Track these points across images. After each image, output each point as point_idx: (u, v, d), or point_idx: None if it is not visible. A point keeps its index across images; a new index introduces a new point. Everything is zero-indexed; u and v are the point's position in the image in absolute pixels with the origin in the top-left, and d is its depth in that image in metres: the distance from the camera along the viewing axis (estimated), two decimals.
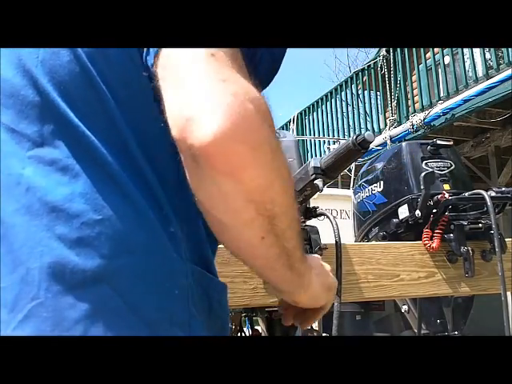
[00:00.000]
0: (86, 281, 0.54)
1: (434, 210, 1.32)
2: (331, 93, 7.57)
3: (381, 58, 6.56)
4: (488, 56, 5.22)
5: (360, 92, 7.31)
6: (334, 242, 1.11)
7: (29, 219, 0.55)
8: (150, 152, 0.60)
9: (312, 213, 1.13)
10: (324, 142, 7.32)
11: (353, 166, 4.84)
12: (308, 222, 1.13)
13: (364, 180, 1.57)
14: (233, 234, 0.60)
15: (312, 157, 7.17)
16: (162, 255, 0.59)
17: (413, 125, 5.59)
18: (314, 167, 0.92)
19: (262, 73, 0.64)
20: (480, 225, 1.31)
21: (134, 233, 0.57)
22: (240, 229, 0.58)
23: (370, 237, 1.53)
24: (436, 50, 5.79)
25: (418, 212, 1.32)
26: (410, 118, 5.82)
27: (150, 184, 0.60)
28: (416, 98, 6.22)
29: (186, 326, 0.58)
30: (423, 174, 1.33)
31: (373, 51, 9.45)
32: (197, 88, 0.53)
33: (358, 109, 7.35)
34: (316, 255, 0.84)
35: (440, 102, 5.53)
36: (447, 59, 5.61)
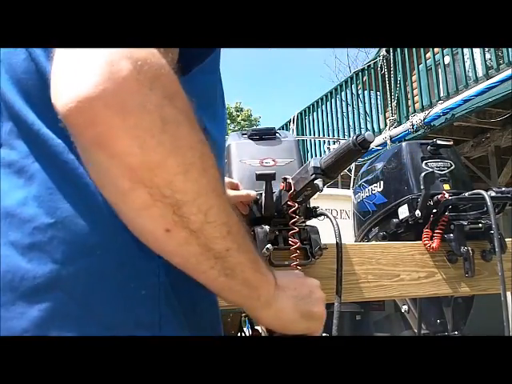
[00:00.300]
0: (37, 288, 0.52)
1: (434, 210, 1.32)
2: (331, 93, 7.57)
3: (381, 57, 6.56)
4: (488, 56, 5.21)
5: (360, 92, 7.31)
6: (335, 243, 1.11)
7: None
8: None
9: (312, 213, 1.13)
10: (324, 141, 7.32)
11: (353, 166, 4.84)
12: (308, 222, 1.13)
13: (364, 180, 1.57)
14: (130, 222, 0.53)
15: (312, 157, 7.17)
16: (124, 255, 0.55)
17: (413, 125, 5.59)
18: (314, 167, 0.92)
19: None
20: (480, 225, 1.31)
21: (90, 234, 0.54)
22: (135, 216, 0.51)
23: (370, 237, 1.53)
24: (436, 50, 5.79)
25: (417, 212, 1.32)
26: (410, 117, 5.82)
27: None
28: (416, 98, 6.22)
29: (156, 328, 0.55)
30: (423, 174, 1.33)
31: (373, 51, 9.46)
32: (74, 53, 0.48)
33: (358, 109, 7.35)
34: (313, 279, 0.74)
35: (440, 102, 5.53)
36: (447, 59, 5.61)
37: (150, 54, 0.48)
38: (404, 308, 1.60)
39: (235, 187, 1.12)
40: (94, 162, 0.50)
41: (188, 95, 0.53)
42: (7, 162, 0.57)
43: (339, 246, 1.10)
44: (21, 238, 0.53)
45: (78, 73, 0.46)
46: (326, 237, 1.13)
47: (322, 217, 1.15)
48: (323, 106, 7.69)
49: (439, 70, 5.79)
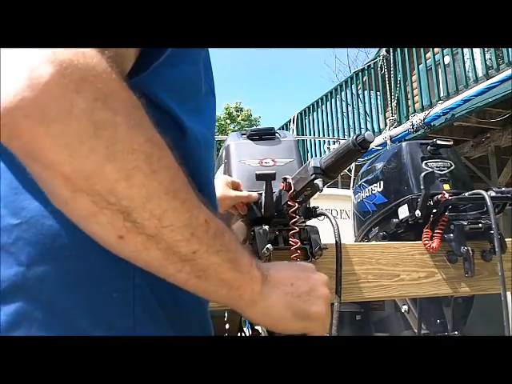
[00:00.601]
0: (2, 292, 0.50)
1: (434, 210, 1.32)
2: (331, 93, 7.58)
3: (381, 57, 6.56)
4: (488, 56, 5.22)
5: (360, 92, 7.31)
6: (334, 242, 1.11)
7: None
8: None
9: (312, 213, 1.13)
10: (324, 141, 7.33)
11: (353, 166, 4.84)
12: (308, 222, 1.13)
13: (364, 180, 1.57)
14: (83, 229, 0.50)
15: (312, 157, 7.18)
16: (95, 256, 0.53)
17: (413, 125, 5.59)
18: (314, 167, 0.92)
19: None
20: (480, 225, 1.31)
21: (58, 235, 0.52)
22: (84, 224, 0.49)
23: (370, 237, 1.53)
24: (436, 50, 5.80)
25: (418, 212, 1.33)
26: (410, 117, 5.82)
27: None
28: (416, 98, 6.22)
29: (131, 332, 0.53)
30: (423, 174, 1.33)
31: (373, 51, 9.47)
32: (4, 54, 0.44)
33: (358, 109, 7.35)
34: (321, 275, 0.69)
35: (440, 102, 5.53)
36: (447, 59, 5.62)
37: (78, 55, 0.45)
38: (404, 308, 1.60)
39: (236, 187, 1.11)
40: (31, 172, 0.47)
41: (153, 90, 0.51)
42: None
43: (338, 245, 1.10)
44: None
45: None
46: (326, 237, 1.14)
47: (322, 217, 1.15)
48: (323, 106, 7.69)
49: (439, 70, 5.79)
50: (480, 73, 5.22)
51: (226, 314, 1.60)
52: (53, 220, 0.53)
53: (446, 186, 1.37)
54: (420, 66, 6.06)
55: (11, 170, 0.54)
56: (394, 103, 6.35)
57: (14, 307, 0.50)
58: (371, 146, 0.90)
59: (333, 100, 7.53)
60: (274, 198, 1.03)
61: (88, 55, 0.45)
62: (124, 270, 0.54)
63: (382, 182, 1.48)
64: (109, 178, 0.46)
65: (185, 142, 0.61)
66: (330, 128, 7.51)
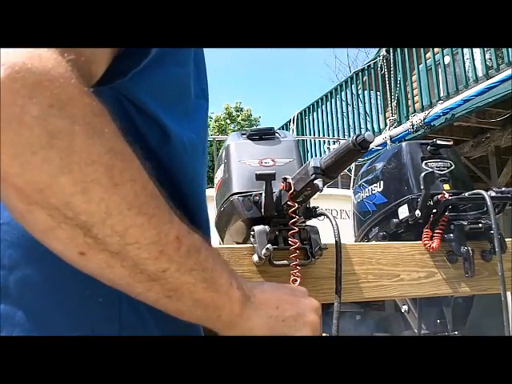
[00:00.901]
0: None
1: (434, 210, 1.32)
2: (331, 93, 7.58)
3: (381, 57, 6.56)
4: (488, 56, 5.22)
5: (360, 92, 7.31)
6: (334, 242, 1.11)
7: None
8: None
9: (312, 213, 1.13)
10: (324, 141, 7.33)
11: (353, 166, 4.84)
12: (308, 222, 1.13)
13: (364, 180, 1.57)
14: (45, 244, 0.46)
15: (312, 157, 7.18)
16: None
17: (413, 125, 5.59)
18: (314, 167, 0.92)
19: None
20: (480, 225, 1.31)
21: None
22: (42, 238, 0.45)
23: (370, 237, 1.53)
24: (436, 50, 5.80)
25: (418, 212, 1.32)
26: (410, 117, 5.82)
27: None
28: (416, 98, 6.22)
29: None
30: (423, 174, 1.33)
31: (373, 51, 9.47)
32: None
33: (358, 109, 7.35)
34: (312, 300, 0.66)
35: (440, 102, 5.53)
36: (447, 59, 5.62)
37: (33, 57, 0.41)
38: (404, 308, 1.60)
39: None
40: None
41: (136, 94, 0.49)
42: None
43: (338, 245, 1.10)
44: None
45: None
46: (326, 237, 1.13)
47: (322, 217, 1.15)
48: (323, 106, 7.69)
49: (439, 70, 5.79)
50: (480, 73, 5.22)
51: None
52: None
53: (446, 186, 1.37)
54: (420, 66, 6.06)
55: None
56: (394, 103, 6.35)
57: None
58: (371, 146, 0.90)
59: (333, 100, 7.53)
60: (274, 198, 1.03)
61: (44, 57, 0.41)
62: None
63: (382, 182, 1.48)
64: (64, 191, 0.42)
65: (169, 147, 0.59)
66: (330, 128, 7.51)
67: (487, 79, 4.97)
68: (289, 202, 0.99)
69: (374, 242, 1.49)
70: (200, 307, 0.54)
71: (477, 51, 5.24)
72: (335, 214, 3.95)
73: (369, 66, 6.98)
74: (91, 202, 0.43)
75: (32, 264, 0.50)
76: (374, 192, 1.51)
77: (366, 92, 7.18)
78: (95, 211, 0.44)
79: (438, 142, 1.43)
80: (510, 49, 4.77)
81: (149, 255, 0.47)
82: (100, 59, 0.49)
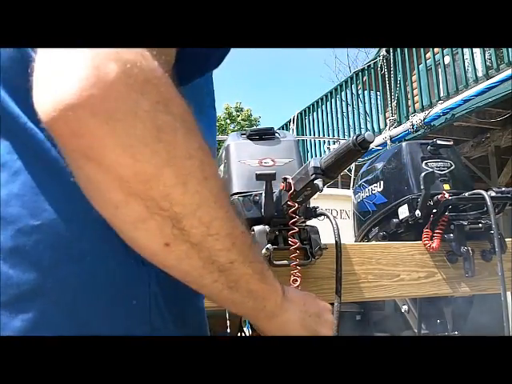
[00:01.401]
0: (21, 296, 0.48)
1: (434, 210, 1.32)
2: (331, 93, 7.58)
3: (381, 57, 6.56)
4: (488, 56, 5.22)
5: (360, 92, 7.31)
6: (334, 242, 1.11)
7: None
8: None
9: (312, 213, 1.13)
10: (324, 141, 7.32)
11: (353, 166, 4.84)
12: (308, 222, 1.13)
13: (364, 180, 1.57)
14: (126, 235, 0.48)
15: (312, 157, 7.18)
16: (115, 262, 0.52)
17: (413, 125, 5.59)
18: (314, 167, 0.92)
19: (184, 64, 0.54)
20: (480, 225, 1.31)
21: (79, 239, 0.51)
22: (129, 230, 0.47)
23: (370, 237, 1.53)
24: (436, 50, 5.80)
25: (418, 212, 1.33)
26: (410, 118, 5.82)
27: None
28: (416, 98, 6.22)
29: None
30: (423, 174, 1.33)
31: (373, 51, 9.47)
32: (60, 52, 0.43)
33: (358, 109, 7.35)
34: (325, 303, 0.70)
35: (440, 101, 5.53)
36: (447, 59, 5.62)
37: (141, 56, 0.44)
38: (404, 308, 1.60)
39: None
40: (82, 174, 0.46)
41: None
42: None
43: (338, 245, 1.10)
44: (3, 240, 0.49)
45: (60, 77, 0.42)
46: (326, 237, 1.13)
47: (322, 217, 1.15)
48: (323, 106, 7.69)
49: (439, 70, 5.79)
50: (480, 73, 5.22)
51: (227, 315, 1.60)
52: (74, 223, 0.51)
53: (446, 186, 1.37)
54: (420, 66, 6.06)
55: (31, 168, 0.51)
56: (394, 103, 6.35)
57: (33, 313, 0.49)
58: (371, 146, 0.90)
59: (333, 100, 7.52)
60: (274, 198, 1.03)
61: (149, 57, 0.44)
62: (141, 277, 0.53)
63: (382, 182, 1.48)
64: (166, 183, 0.44)
65: None
66: (330, 128, 7.51)
67: (487, 79, 4.97)
68: (289, 202, 0.99)
69: (373, 242, 1.49)
70: (252, 298, 0.57)
71: (477, 51, 5.24)
72: (335, 214, 3.94)
73: (369, 66, 6.97)
74: (187, 194, 0.46)
75: (70, 265, 0.50)
76: (373, 192, 1.51)
77: (366, 92, 7.18)
78: (189, 203, 0.46)
79: (438, 141, 1.43)
80: (510, 49, 4.77)
81: (223, 247, 0.50)
82: (171, 61, 0.51)
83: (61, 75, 0.41)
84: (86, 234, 0.52)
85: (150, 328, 0.53)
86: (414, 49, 6.04)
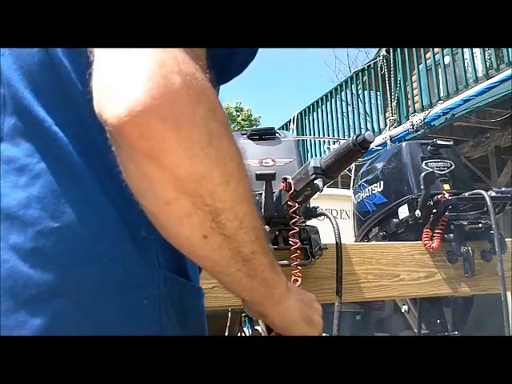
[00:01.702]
0: (40, 295, 0.50)
1: (434, 210, 1.32)
2: (331, 93, 7.57)
3: (381, 57, 6.56)
4: (488, 56, 5.22)
5: (360, 92, 7.31)
6: (335, 242, 1.11)
7: None
8: None
9: (312, 213, 1.13)
10: (324, 141, 7.32)
11: (353, 166, 4.84)
12: (308, 222, 1.13)
13: (364, 180, 1.57)
14: (168, 229, 0.53)
15: (312, 157, 7.18)
16: (129, 263, 0.54)
17: (413, 125, 5.59)
18: (314, 167, 0.92)
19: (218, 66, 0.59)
20: (480, 225, 1.31)
21: (96, 241, 0.53)
22: (175, 224, 0.51)
23: (370, 237, 1.53)
24: (436, 50, 5.79)
25: (418, 212, 1.33)
26: (410, 118, 5.82)
27: (120, 185, 0.52)
28: (416, 98, 6.22)
29: None
30: (423, 174, 1.33)
31: (373, 51, 9.47)
32: (122, 55, 0.47)
33: (358, 109, 7.35)
34: (310, 294, 0.77)
35: (440, 102, 5.53)
36: (447, 59, 5.61)
37: (196, 69, 0.49)
38: (404, 308, 1.60)
39: None
40: (139, 172, 0.49)
41: None
42: (6, 157, 0.54)
43: (339, 245, 1.10)
44: (23, 241, 0.51)
45: (130, 83, 0.46)
46: (326, 237, 1.14)
47: (322, 217, 1.15)
48: (323, 106, 7.69)
49: (439, 70, 5.79)
50: (480, 73, 5.22)
51: (229, 315, 1.61)
52: (92, 226, 0.53)
53: (446, 186, 1.37)
54: (420, 66, 6.05)
55: (52, 171, 0.54)
56: (394, 103, 6.35)
57: (52, 311, 0.50)
58: (371, 146, 0.90)
59: (333, 100, 7.52)
60: (274, 198, 1.03)
61: (201, 71, 0.50)
62: (152, 277, 0.56)
63: (382, 182, 1.48)
64: (214, 182, 0.50)
65: None
66: (330, 128, 7.51)
67: (487, 79, 4.97)
68: (289, 202, 0.99)
69: (373, 242, 1.49)
70: (264, 285, 0.62)
71: (477, 51, 5.24)
72: (335, 214, 3.95)
73: (369, 66, 6.97)
74: (228, 192, 0.51)
75: (88, 266, 0.52)
76: (374, 192, 1.51)
77: (365, 92, 7.17)
78: (229, 199, 0.52)
79: (438, 141, 1.43)
80: (510, 49, 4.77)
81: (249, 239, 0.55)
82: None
83: (131, 82, 0.46)
84: (103, 236, 0.54)
85: (160, 327, 0.55)
86: (414, 49, 6.04)
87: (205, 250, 0.54)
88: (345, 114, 7.31)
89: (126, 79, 0.46)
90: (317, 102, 7.86)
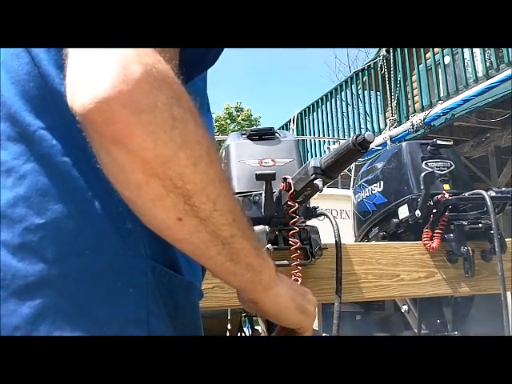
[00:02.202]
0: (28, 286, 0.53)
1: (434, 210, 1.32)
2: (331, 93, 7.57)
3: (381, 57, 6.56)
4: (488, 56, 5.22)
5: (360, 92, 7.31)
6: (334, 242, 1.11)
7: None
8: None
9: (312, 213, 1.13)
10: (324, 142, 7.32)
11: (353, 166, 4.84)
12: (308, 222, 1.13)
13: (364, 180, 1.57)
14: (144, 213, 0.56)
15: (312, 157, 7.18)
16: (113, 254, 0.57)
17: (413, 125, 5.59)
18: (314, 167, 0.92)
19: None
20: (480, 225, 1.31)
21: (80, 234, 0.56)
22: (149, 207, 0.54)
23: (370, 237, 1.53)
24: (436, 50, 5.80)
25: (418, 212, 1.33)
26: (410, 118, 5.82)
27: (105, 180, 0.56)
28: (416, 98, 6.22)
29: (144, 324, 0.57)
30: (423, 174, 1.33)
31: (373, 51, 9.46)
32: (88, 53, 0.51)
33: (358, 109, 7.35)
34: (306, 288, 0.78)
35: (440, 102, 5.53)
36: (447, 59, 5.62)
37: (157, 60, 0.52)
38: (404, 308, 1.60)
39: None
40: (109, 158, 0.52)
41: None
42: None
43: (339, 245, 1.10)
44: (11, 238, 0.55)
45: (94, 75, 0.50)
46: (326, 237, 1.14)
47: (322, 217, 1.15)
48: (323, 106, 7.69)
49: (439, 70, 5.79)
50: (480, 73, 5.22)
51: (229, 315, 1.60)
52: (75, 220, 0.57)
53: (446, 186, 1.37)
54: (420, 66, 6.06)
55: (37, 172, 0.57)
56: (394, 103, 6.35)
57: (39, 300, 0.53)
58: (371, 146, 0.90)
59: (333, 100, 7.52)
60: (274, 198, 1.03)
61: (163, 61, 0.52)
62: (139, 267, 0.59)
63: (382, 182, 1.49)
64: (181, 163, 0.52)
65: None
66: (330, 128, 7.51)
67: (487, 79, 4.97)
68: (289, 202, 0.99)
69: (373, 242, 1.49)
70: (250, 271, 0.63)
71: (477, 51, 5.24)
72: (335, 214, 3.94)
73: (369, 66, 6.97)
74: (197, 174, 0.54)
75: (72, 258, 0.56)
76: (374, 192, 1.51)
77: (366, 92, 7.17)
78: (199, 181, 0.54)
79: (438, 141, 1.43)
80: (510, 49, 4.77)
81: (226, 221, 0.57)
82: (177, 63, 0.58)
83: (95, 74, 0.50)
84: (86, 230, 0.57)
85: (147, 312, 0.57)
86: (414, 49, 6.04)
87: (182, 233, 0.56)
88: (345, 113, 7.31)
89: (91, 73, 0.50)
90: (317, 102, 7.86)
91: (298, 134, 7.50)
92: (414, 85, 6.25)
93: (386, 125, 6.49)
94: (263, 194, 1.03)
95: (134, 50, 0.51)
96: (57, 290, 0.54)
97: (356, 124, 7.22)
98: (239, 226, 0.59)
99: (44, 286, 0.54)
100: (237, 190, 1.10)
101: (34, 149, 0.58)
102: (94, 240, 0.57)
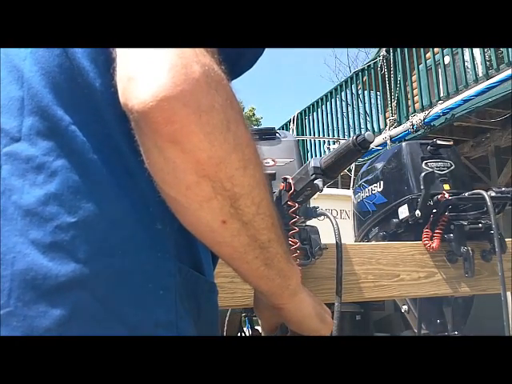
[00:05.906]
0: (59, 287, 0.52)
1: (434, 210, 1.32)
2: (331, 93, 7.57)
3: (381, 57, 6.56)
4: (488, 56, 5.21)
5: (360, 92, 7.31)
6: (335, 242, 1.11)
7: (2, 224, 0.52)
8: (137, 145, 0.55)
9: (312, 213, 1.13)
10: (324, 141, 7.32)
11: (353, 166, 4.83)
12: (308, 222, 1.13)
13: (364, 180, 1.57)
14: (189, 214, 0.55)
15: (312, 157, 7.17)
16: (144, 255, 0.56)
17: (413, 125, 5.59)
18: (314, 167, 0.92)
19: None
20: (480, 225, 1.31)
21: (112, 234, 0.55)
22: (196, 209, 0.54)
23: (370, 237, 1.53)
24: (436, 50, 5.79)
25: (417, 212, 1.33)
26: (410, 118, 5.81)
27: (137, 179, 0.56)
28: (416, 98, 6.22)
29: (174, 327, 0.56)
30: (423, 174, 1.33)
31: (373, 51, 9.46)
32: (144, 51, 0.51)
33: (358, 109, 7.35)
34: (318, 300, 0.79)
35: (440, 102, 5.53)
36: (447, 59, 5.61)
37: (212, 61, 0.53)
38: (404, 308, 1.60)
39: None
40: (161, 157, 0.51)
41: None
42: (25, 156, 0.55)
43: (339, 245, 1.10)
44: (42, 236, 0.53)
45: (154, 72, 0.49)
46: (326, 237, 1.13)
47: (322, 217, 1.15)
48: (323, 106, 7.68)
49: (439, 70, 5.79)
50: (480, 73, 5.22)
51: (228, 315, 1.60)
52: (106, 220, 0.55)
53: (446, 186, 1.37)
54: (420, 66, 6.05)
55: (69, 169, 0.56)
56: (394, 103, 6.35)
57: (71, 302, 0.52)
58: (371, 146, 0.90)
59: (333, 100, 7.52)
60: (274, 198, 1.03)
61: (216, 62, 0.53)
62: (168, 268, 0.58)
63: (382, 182, 1.48)
64: (232, 166, 0.52)
65: None
66: (330, 128, 7.50)
67: (487, 79, 4.96)
68: (289, 202, 0.99)
69: (373, 242, 1.49)
70: (280, 276, 0.64)
71: (477, 51, 5.24)
72: (335, 214, 3.94)
73: (369, 66, 6.97)
74: (246, 177, 0.54)
75: (104, 259, 0.54)
76: (374, 192, 1.51)
77: (366, 92, 7.17)
78: (246, 184, 0.54)
79: (438, 142, 1.43)
80: (510, 49, 4.76)
81: (265, 226, 0.58)
82: None
83: (155, 71, 0.49)
84: (118, 230, 0.56)
85: (176, 315, 0.57)
86: (413, 49, 6.03)
87: (224, 236, 0.56)
88: (345, 113, 7.30)
89: (150, 69, 0.50)
90: (317, 101, 7.85)
91: (298, 134, 7.50)
92: (414, 85, 6.24)
93: (385, 125, 6.49)
94: None
95: (192, 50, 0.51)
96: (88, 290, 0.53)
97: (356, 124, 7.22)
98: (276, 230, 0.60)
99: (75, 286, 0.52)
100: None
101: (65, 144, 0.56)
102: (124, 240, 0.56)
